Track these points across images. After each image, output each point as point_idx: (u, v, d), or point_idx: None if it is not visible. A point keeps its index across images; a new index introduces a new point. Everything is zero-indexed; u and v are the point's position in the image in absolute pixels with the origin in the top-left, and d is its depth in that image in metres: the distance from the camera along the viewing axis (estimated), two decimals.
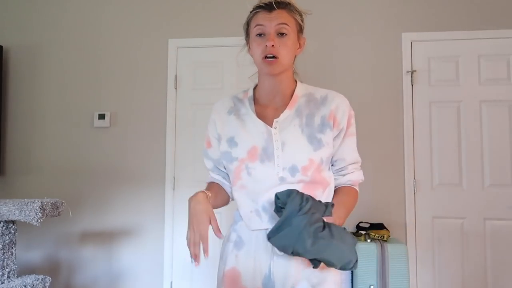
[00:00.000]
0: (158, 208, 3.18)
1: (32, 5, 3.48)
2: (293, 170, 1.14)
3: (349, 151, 1.23)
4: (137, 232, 3.20)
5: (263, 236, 1.14)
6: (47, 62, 3.42)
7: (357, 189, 1.27)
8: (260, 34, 1.18)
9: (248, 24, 1.25)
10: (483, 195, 2.93)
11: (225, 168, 1.30)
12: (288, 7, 1.20)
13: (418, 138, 3.02)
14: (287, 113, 1.20)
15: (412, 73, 3.04)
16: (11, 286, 1.81)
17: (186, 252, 3.12)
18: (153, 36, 3.32)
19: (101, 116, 3.27)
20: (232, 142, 1.23)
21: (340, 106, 1.21)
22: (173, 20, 3.32)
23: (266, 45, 1.14)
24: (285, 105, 1.22)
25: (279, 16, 1.17)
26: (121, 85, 3.31)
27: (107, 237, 3.21)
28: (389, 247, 2.40)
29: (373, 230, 2.67)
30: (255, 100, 1.28)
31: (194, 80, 3.26)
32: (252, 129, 1.20)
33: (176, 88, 3.26)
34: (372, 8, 3.15)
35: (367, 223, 2.84)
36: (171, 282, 3.14)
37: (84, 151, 3.29)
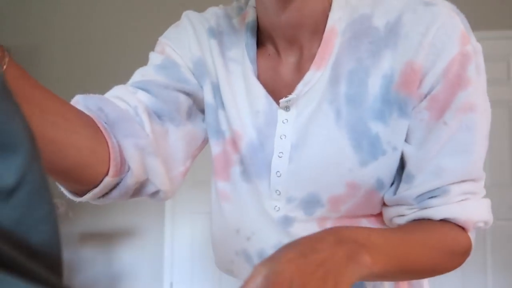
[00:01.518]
0: (158, 209, 3.18)
1: (32, 5, 3.48)
2: (310, 203, 0.55)
3: (456, 153, 0.51)
4: (137, 232, 3.20)
5: None
6: (47, 62, 3.42)
7: (471, 236, 0.63)
8: None
9: None
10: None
11: (174, 106, 0.62)
12: None
13: None
14: (312, 80, 0.54)
15: None
16: None
17: (186, 252, 3.12)
18: (153, 37, 3.31)
19: None
20: (217, 93, 0.62)
21: (432, 42, 0.50)
22: (173, 21, 3.31)
23: None
24: (310, 58, 0.55)
25: None
26: None
27: (107, 238, 3.21)
28: None
29: None
30: (259, 32, 0.61)
31: None
32: (244, 97, 0.59)
33: None
34: None
35: None
36: (171, 283, 3.14)
37: None
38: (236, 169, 0.63)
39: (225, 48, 0.62)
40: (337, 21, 0.54)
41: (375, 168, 0.52)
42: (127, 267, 3.19)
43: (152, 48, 3.05)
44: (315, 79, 0.54)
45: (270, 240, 0.58)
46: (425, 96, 0.51)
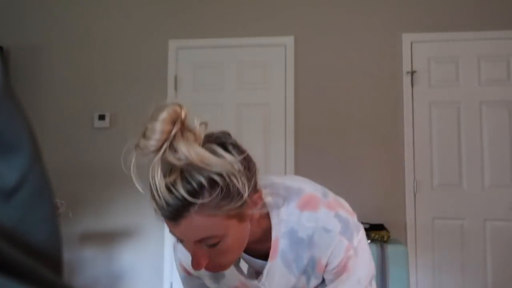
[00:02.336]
0: None
1: (32, 6, 3.48)
2: None
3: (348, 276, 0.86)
4: (137, 233, 3.20)
5: None
6: (47, 63, 3.42)
7: None
8: (181, 241, 0.74)
9: None
10: (483, 196, 2.93)
11: None
12: (201, 201, 0.68)
13: (418, 139, 3.02)
14: (270, 266, 0.87)
15: (412, 74, 3.04)
16: None
17: None
18: (153, 37, 3.32)
19: (101, 117, 3.27)
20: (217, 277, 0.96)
21: (330, 254, 0.85)
22: (173, 21, 3.32)
23: (194, 269, 0.74)
24: (265, 252, 0.88)
25: (193, 228, 0.70)
26: (121, 86, 3.31)
27: (107, 238, 3.21)
28: (389, 248, 2.40)
29: (373, 230, 2.67)
30: None
31: (194, 80, 3.26)
32: (232, 277, 0.93)
33: (176, 89, 3.26)
34: (372, 9, 3.15)
35: (367, 223, 2.84)
36: (171, 283, 3.14)
37: (84, 152, 3.29)
38: None
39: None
40: (277, 232, 0.86)
41: (311, 281, 0.90)
42: (127, 267, 3.19)
43: (150, 49, 3.07)
44: (271, 265, 0.88)
45: None
46: (330, 271, 0.87)
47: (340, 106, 3.10)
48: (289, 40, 3.14)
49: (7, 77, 0.24)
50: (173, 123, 0.66)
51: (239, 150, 0.76)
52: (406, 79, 3.05)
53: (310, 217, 0.85)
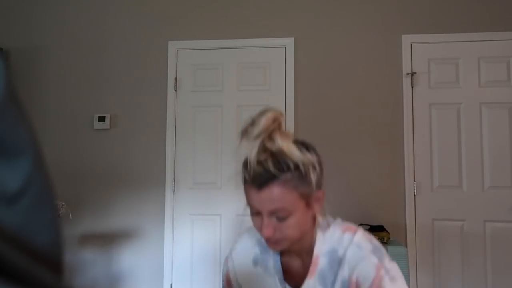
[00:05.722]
0: (158, 210, 3.18)
1: (32, 7, 3.48)
2: None
3: None
4: (137, 234, 3.20)
5: None
6: (47, 64, 3.42)
7: None
8: (255, 213, 0.93)
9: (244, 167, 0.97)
10: (483, 197, 2.93)
11: None
12: (283, 178, 0.88)
13: (418, 140, 3.02)
14: (309, 284, 0.97)
15: (412, 75, 3.04)
16: None
17: (186, 254, 3.12)
18: (153, 38, 3.32)
19: (101, 118, 3.27)
20: None
21: (360, 272, 0.93)
22: (173, 22, 3.32)
23: (262, 234, 0.91)
24: (306, 268, 1.00)
25: (271, 197, 0.88)
26: (121, 87, 3.31)
27: (107, 239, 3.21)
28: (389, 249, 2.40)
29: (373, 232, 2.67)
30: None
31: (194, 82, 3.27)
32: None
33: (176, 90, 3.26)
34: (372, 10, 3.15)
35: (367, 225, 2.84)
36: (171, 284, 3.14)
37: (84, 153, 3.29)
38: None
39: (265, 265, 1.04)
40: (319, 249, 0.98)
41: None
42: (127, 269, 3.19)
43: (150, 50, 3.07)
44: (310, 284, 0.97)
45: None
46: None
47: (340, 107, 3.10)
48: (289, 42, 3.14)
49: (11, 82, 0.24)
50: (274, 121, 0.86)
51: (316, 153, 0.95)
52: (406, 81, 3.05)
53: (349, 238, 0.97)
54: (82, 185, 3.26)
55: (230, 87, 3.22)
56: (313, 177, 0.91)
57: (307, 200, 0.92)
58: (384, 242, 2.50)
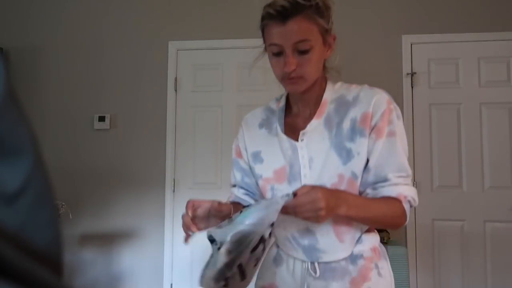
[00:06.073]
0: (158, 210, 3.18)
1: (32, 7, 3.48)
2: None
3: (388, 157, 0.99)
4: (137, 234, 3.20)
5: (300, 263, 1.06)
6: (47, 64, 3.42)
7: (405, 206, 0.99)
8: (276, 53, 0.99)
9: (262, 31, 1.09)
10: (483, 197, 2.93)
11: (253, 179, 1.15)
12: (306, 10, 0.94)
13: (418, 140, 3.02)
14: (314, 124, 1.04)
15: (412, 75, 3.04)
16: None
17: (186, 254, 3.12)
18: (153, 39, 3.32)
19: (101, 118, 3.27)
20: (257, 157, 1.12)
21: (373, 104, 1.00)
22: (173, 23, 3.32)
23: (285, 70, 0.98)
24: (314, 113, 1.06)
25: (296, 29, 0.94)
26: (121, 87, 3.31)
27: (107, 239, 3.21)
28: (389, 249, 2.39)
29: None
30: (288, 108, 1.13)
31: (194, 82, 3.27)
32: (278, 146, 1.08)
33: (176, 90, 3.26)
34: (372, 10, 3.15)
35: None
36: (171, 284, 3.14)
37: (84, 153, 3.29)
38: (285, 184, 1.06)
39: (270, 126, 1.13)
40: (328, 96, 1.07)
41: (349, 166, 1.00)
42: (127, 269, 3.19)
43: (150, 50, 3.07)
44: (315, 124, 1.05)
45: None
46: (373, 127, 1.00)
47: None
48: None
49: (11, 83, 0.24)
50: None
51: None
52: (406, 81, 3.05)
53: (357, 87, 1.08)
54: (82, 185, 3.26)
55: (230, 87, 3.22)
56: (330, 14, 1.00)
57: (324, 38, 1.01)
58: (384, 242, 2.50)
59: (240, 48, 3.17)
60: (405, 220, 1.01)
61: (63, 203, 2.00)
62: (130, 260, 3.18)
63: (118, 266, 3.19)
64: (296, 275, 1.06)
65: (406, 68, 3.06)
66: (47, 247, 0.26)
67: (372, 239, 1.09)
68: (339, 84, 1.11)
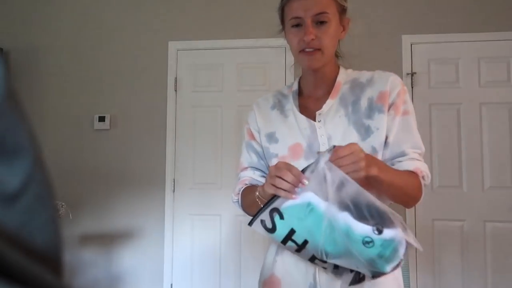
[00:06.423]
0: (158, 210, 3.18)
1: (32, 7, 3.48)
2: None
3: (405, 134, 1.05)
4: (137, 234, 3.20)
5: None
6: (47, 64, 3.42)
7: (421, 180, 1.04)
8: (296, 25, 1.05)
9: (282, 9, 1.12)
10: (483, 197, 2.93)
11: (266, 161, 1.17)
12: None
13: None
14: (330, 103, 1.09)
15: (412, 75, 3.04)
16: None
17: (186, 254, 3.12)
18: (153, 38, 3.32)
19: (101, 119, 3.27)
20: (272, 137, 1.13)
21: (389, 84, 1.06)
22: (173, 22, 3.32)
23: (304, 39, 1.02)
24: (328, 94, 1.11)
25: (316, 2, 1.03)
26: (121, 88, 3.31)
27: (107, 240, 3.21)
28: None
29: None
30: (300, 92, 1.18)
31: (194, 82, 3.27)
32: (295, 125, 1.10)
33: (176, 90, 3.26)
34: (372, 10, 3.15)
35: None
36: (171, 285, 3.14)
37: (84, 154, 3.29)
38: (301, 160, 1.06)
39: (282, 108, 1.16)
40: (341, 78, 1.13)
41: (369, 141, 1.03)
42: (127, 269, 3.19)
43: (150, 50, 3.08)
44: (331, 103, 1.10)
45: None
46: (391, 105, 1.06)
47: None
48: None
49: (11, 82, 0.24)
50: None
51: None
52: (406, 81, 3.05)
53: (368, 72, 1.14)
54: (82, 185, 3.26)
55: (230, 87, 3.22)
56: None
57: (341, 17, 1.11)
58: None
59: (240, 48, 3.17)
60: (421, 194, 1.06)
61: (63, 203, 2.00)
62: (130, 260, 3.18)
63: (118, 266, 3.19)
64: (300, 263, 1.02)
65: (406, 68, 3.06)
66: (47, 247, 0.26)
67: None
68: (350, 70, 1.18)
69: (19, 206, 0.23)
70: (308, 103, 1.13)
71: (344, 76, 1.15)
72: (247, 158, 1.19)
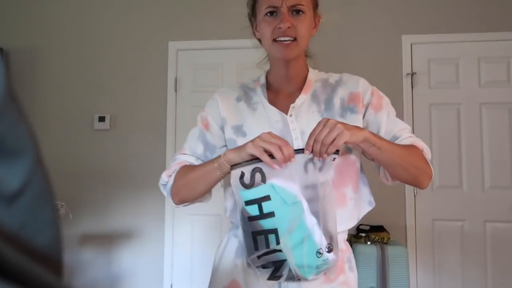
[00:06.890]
0: (158, 211, 3.18)
1: (32, 7, 3.48)
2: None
3: (393, 122, 1.08)
4: (137, 234, 3.20)
5: None
6: (47, 64, 3.42)
7: (424, 155, 1.05)
8: (271, 13, 1.04)
9: (254, 1, 1.11)
10: (483, 197, 2.93)
11: (214, 156, 1.11)
12: None
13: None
14: (302, 98, 1.08)
15: (412, 75, 3.04)
16: None
17: (186, 254, 3.12)
18: (153, 39, 3.32)
19: (101, 119, 3.27)
20: (239, 130, 1.09)
21: (360, 86, 1.10)
22: (173, 23, 3.32)
23: (280, 27, 1.01)
24: (299, 90, 1.10)
25: None
26: (121, 88, 3.31)
27: (107, 240, 3.21)
28: (389, 250, 2.40)
29: (373, 232, 2.67)
30: (267, 87, 1.16)
31: (194, 82, 3.27)
32: (265, 118, 1.08)
33: (176, 91, 3.26)
34: (372, 10, 3.15)
35: (367, 225, 2.84)
36: (171, 285, 3.14)
37: (84, 154, 3.29)
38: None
39: (249, 100, 1.14)
40: (312, 77, 1.15)
41: None
42: (127, 269, 3.19)
43: (150, 51, 3.07)
44: (303, 98, 1.10)
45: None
46: (368, 104, 1.09)
47: None
48: None
49: (10, 82, 0.24)
50: None
51: None
52: (406, 81, 3.05)
53: (336, 74, 1.16)
54: (82, 185, 3.26)
55: (230, 87, 3.21)
56: None
57: (314, 12, 1.11)
58: (384, 242, 2.50)
59: (240, 48, 3.17)
60: (431, 168, 1.05)
61: (63, 203, 2.00)
62: (130, 260, 3.18)
63: (118, 266, 3.19)
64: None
65: (406, 68, 3.06)
66: (47, 247, 0.26)
67: (344, 233, 1.11)
68: (317, 70, 1.19)
69: (19, 206, 0.23)
70: (278, 97, 1.12)
71: (313, 75, 1.15)
72: (192, 146, 1.15)
